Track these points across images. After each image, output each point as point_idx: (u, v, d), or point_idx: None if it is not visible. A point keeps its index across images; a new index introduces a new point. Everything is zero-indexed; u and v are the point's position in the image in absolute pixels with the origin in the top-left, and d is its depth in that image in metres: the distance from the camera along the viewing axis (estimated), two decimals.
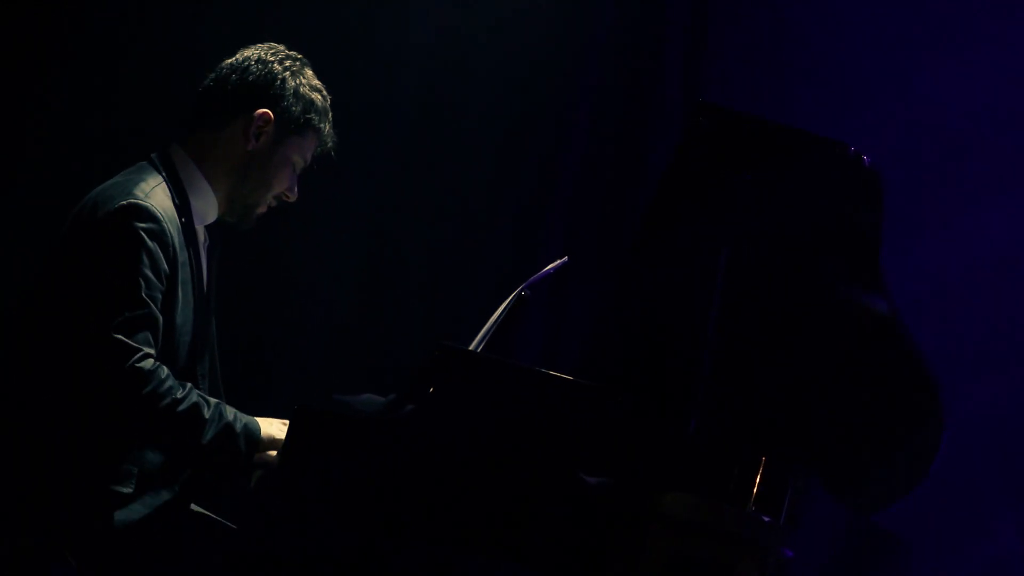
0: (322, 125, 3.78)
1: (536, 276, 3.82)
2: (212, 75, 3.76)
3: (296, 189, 3.80)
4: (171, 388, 3.42)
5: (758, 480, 3.32)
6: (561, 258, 3.93)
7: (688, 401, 3.46)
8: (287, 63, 3.75)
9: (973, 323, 5.47)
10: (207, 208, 3.72)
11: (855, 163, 3.61)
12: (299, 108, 3.73)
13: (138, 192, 3.52)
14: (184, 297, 3.57)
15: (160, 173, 3.62)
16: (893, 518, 3.98)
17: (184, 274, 3.57)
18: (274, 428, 3.53)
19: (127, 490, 3.48)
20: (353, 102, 5.43)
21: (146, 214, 3.49)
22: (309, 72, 3.79)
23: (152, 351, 3.43)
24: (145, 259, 3.46)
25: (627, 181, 5.80)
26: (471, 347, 3.66)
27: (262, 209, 3.80)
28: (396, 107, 5.60)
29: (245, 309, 5.23)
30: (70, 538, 3.43)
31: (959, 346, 5.36)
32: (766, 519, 3.32)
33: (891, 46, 5.60)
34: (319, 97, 3.77)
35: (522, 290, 3.73)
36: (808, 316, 3.69)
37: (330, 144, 3.83)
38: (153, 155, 3.69)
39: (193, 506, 3.65)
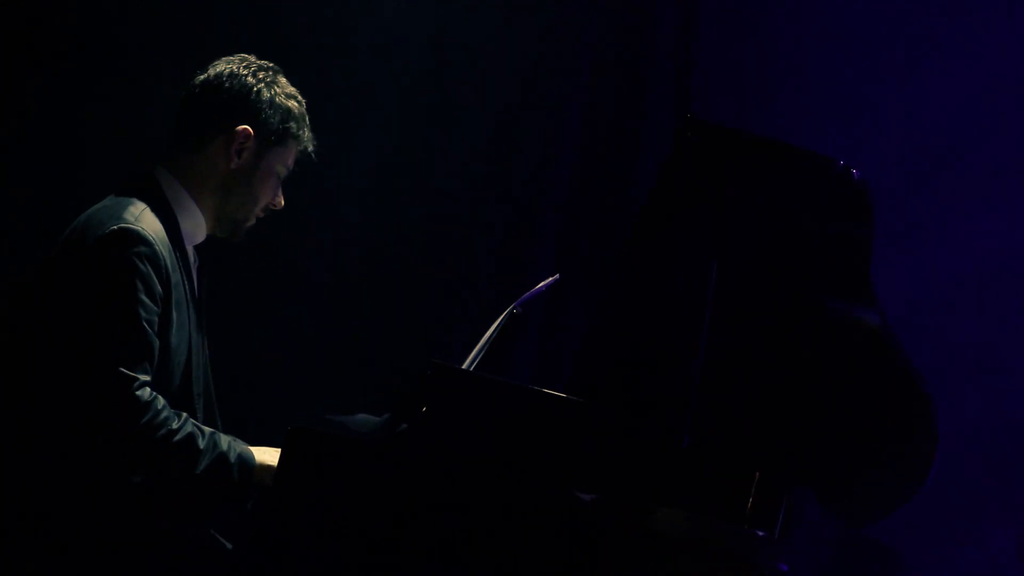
0: (301, 131, 3.76)
1: (528, 294, 3.82)
2: (186, 93, 3.74)
3: (281, 196, 3.79)
4: (167, 419, 3.42)
5: (752, 495, 3.31)
6: (553, 275, 3.93)
7: (680, 416, 3.46)
8: (260, 74, 3.72)
9: (965, 331, 5.47)
10: (196, 228, 3.72)
11: (844, 177, 3.62)
12: (277, 119, 3.71)
13: (128, 216, 3.51)
14: (178, 318, 3.56)
15: (146, 197, 3.61)
16: (886, 529, 3.98)
17: (177, 295, 3.56)
18: (268, 455, 3.52)
19: (121, 512, 3.47)
20: (338, 120, 5.47)
21: (137, 238, 3.48)
22: (283, 80, 3.76)
23: (149, 379, 3.42)
24: (140, 284, 3.45)
25: (618, 196, 5.80)
26: (464, 365, 3.66)
27: (251, 222, 3.79)
28: (382, 124, 5.59)
29: (237, 327, 5.23)
30: (64, 565, 3.42)
31: (952, 355, 5.36)
32: (760, 534, 3.32)
33: (877, 57, 5.61)
34: (295, 104, 3.75)
35: (514, 308, 3.73)
36: (799, 330, 3.70)
37: (310, 148, 3.81)
38: (139, 178, 3.68)
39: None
